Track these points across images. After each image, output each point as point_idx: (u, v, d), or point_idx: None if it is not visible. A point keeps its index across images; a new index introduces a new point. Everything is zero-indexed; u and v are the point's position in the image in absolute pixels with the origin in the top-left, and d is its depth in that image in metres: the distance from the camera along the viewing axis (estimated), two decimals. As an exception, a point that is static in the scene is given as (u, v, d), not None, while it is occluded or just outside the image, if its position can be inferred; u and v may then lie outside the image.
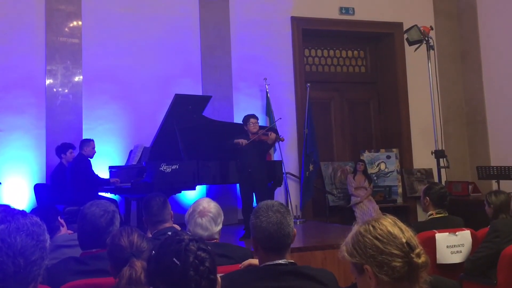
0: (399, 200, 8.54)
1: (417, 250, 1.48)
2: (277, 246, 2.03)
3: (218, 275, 1.45)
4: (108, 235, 2.24)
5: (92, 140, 6.45)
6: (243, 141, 5.86)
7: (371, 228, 1.53)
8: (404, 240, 1.48)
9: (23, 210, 1.17)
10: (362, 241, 1.51)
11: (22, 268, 1.07)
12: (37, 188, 6.54)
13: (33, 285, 1.12)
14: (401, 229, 1.52)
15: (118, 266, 1.84)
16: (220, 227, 2.73)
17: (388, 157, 8.67)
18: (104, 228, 2.38)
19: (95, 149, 6.49)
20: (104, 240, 2.28)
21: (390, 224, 1.53)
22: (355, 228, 1.58)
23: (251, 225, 2.09)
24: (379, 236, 1.50)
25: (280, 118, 7.02)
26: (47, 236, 1.18)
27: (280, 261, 2.01)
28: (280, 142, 6.48)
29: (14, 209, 1.15)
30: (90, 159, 6.42)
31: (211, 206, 2.72)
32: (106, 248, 2.06)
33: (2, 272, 1.05)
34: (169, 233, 2.24)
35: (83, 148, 6.37)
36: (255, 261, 2.25)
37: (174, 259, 1.36)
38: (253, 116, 6.15)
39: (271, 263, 2.01)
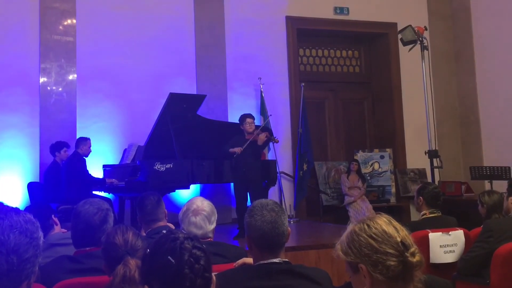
0: (393, 200, 8.57)
1: (412, 249, 1.48)
2: (271, 245, 2.02)
3: (213, 274, 1.45)
4: (102, 233, 2.24)
5: (89, 139, 6.42)
6: (238, 150, 5.85)
7: (366, 227, 1.53)
8: (399, 239, 1.48)
9: (16, 208, 1.17)
10: (357, 240, 1.51)
11: (15, 266, 1.07)
12: (31, 186, 6.51)
13: (27, 283, 1.11)
14: (396, 228, 1.52)
15: (113, 264, 1.83)
16: (214, 225, 2.73)
17: (382, 157, 8.69)
18: (97, 226, 2.36)
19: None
20: (97, 238, 2.28)
21: (385, 223, 1.53)
22: (350, 227, 1.58)
23: (246, 224, 2.08)
24: (374, 235, 1.50)
25: (271, 115, 7.11)
26: (41, 234, 1.17)
27: (274, 260, 2.01)
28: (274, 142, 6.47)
29: (7, 206, 1.14)
30: (85, 158, 6.39)
31: (204, 204, 2.72)
32: (100, 246, 2.05)
33: (-6, 270, 1.04)
34: (164, 231, 2.23)
35: (79, 146, 6.34)
36: (249, 260, 2.25)
37: (169, 257, 1.36)
38: (250, 115, 6.13)
39: (265, 262, 2.01)
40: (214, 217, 2.73)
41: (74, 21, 7.23)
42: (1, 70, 6.85)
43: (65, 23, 7.19)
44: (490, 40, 8.42)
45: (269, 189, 6.72)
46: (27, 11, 7.05)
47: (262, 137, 5.96)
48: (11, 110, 6.83)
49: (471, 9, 8.76)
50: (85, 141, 6.39)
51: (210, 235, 2.71)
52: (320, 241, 5.27)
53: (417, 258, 1.48)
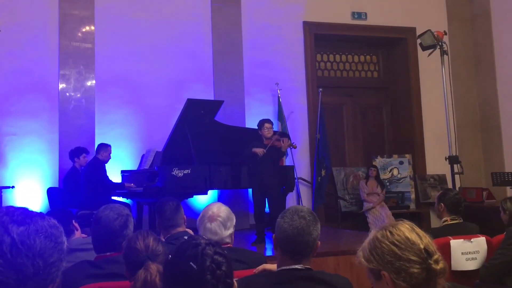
0: (412, 206, 8.48)
1: (435, 257, 1.46)
2: (293, 250, 2.02)
3: (234, 279, 1.44)
4: (122, 239, 2.25)
5: (110, 146, 6.48)
6: (261, 151, 5.84)
7: (389, 233, 1.51)
8: (422, 246, 1.46)
9: (41, 212, 1.18)
10: (379, 247, 1.50)
11: (41, 269, 1.08)
12: (50, 192, 6.57)
13: (52, 287, 1.12)
14: (418, 235, 1.50)
15: (134, 269, 1.84)
16: (230, 231, 2.70)
17: (401, 162, 8.62)
18: (118, 232, 2.37)
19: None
20: (118, 243, 2.29)
21: (407, 230, 1.51)
22: (372, 233, 1.56)
23: (276, 223, 2.10)
24: (396, 242, 1.48)
25: (292, 112, 7.08)
26: (65, 238, 1.18)
27: (296, 266, 2.01)
28: (292, 148, 6.45)
29: (32, 212, 1.15)
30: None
31: (220, 210, 2.70)
32: (121, 251, 2.06)
33: (21, 274, 1.05)
34: (186, 237, 2.23)
35: (100, 152, 6.40)
36: (269, 266, 2.25)
37: (190, 263, 1.36)
38: (268, 120, 6.12)
39: (287, 267, 2.01)
40: (231, 223, 2.71)
41: (93, 27, 7.31)
42: (21, 76, 6.95)
43: (84, 29, 7.28)
44: (510, 44, 8.31)
45: (287, 195, 6.70)
46: (46, 18, 7.15)
47: (286, 144, 5.96)
48: (30, 116, 6.92)
49: (491, 12, 8.66)
50: (106, 147, 6.44)
51: (227, 240, 2.70)
52: (338, 247, 5.22)
53: (440, 265, 1.46)
